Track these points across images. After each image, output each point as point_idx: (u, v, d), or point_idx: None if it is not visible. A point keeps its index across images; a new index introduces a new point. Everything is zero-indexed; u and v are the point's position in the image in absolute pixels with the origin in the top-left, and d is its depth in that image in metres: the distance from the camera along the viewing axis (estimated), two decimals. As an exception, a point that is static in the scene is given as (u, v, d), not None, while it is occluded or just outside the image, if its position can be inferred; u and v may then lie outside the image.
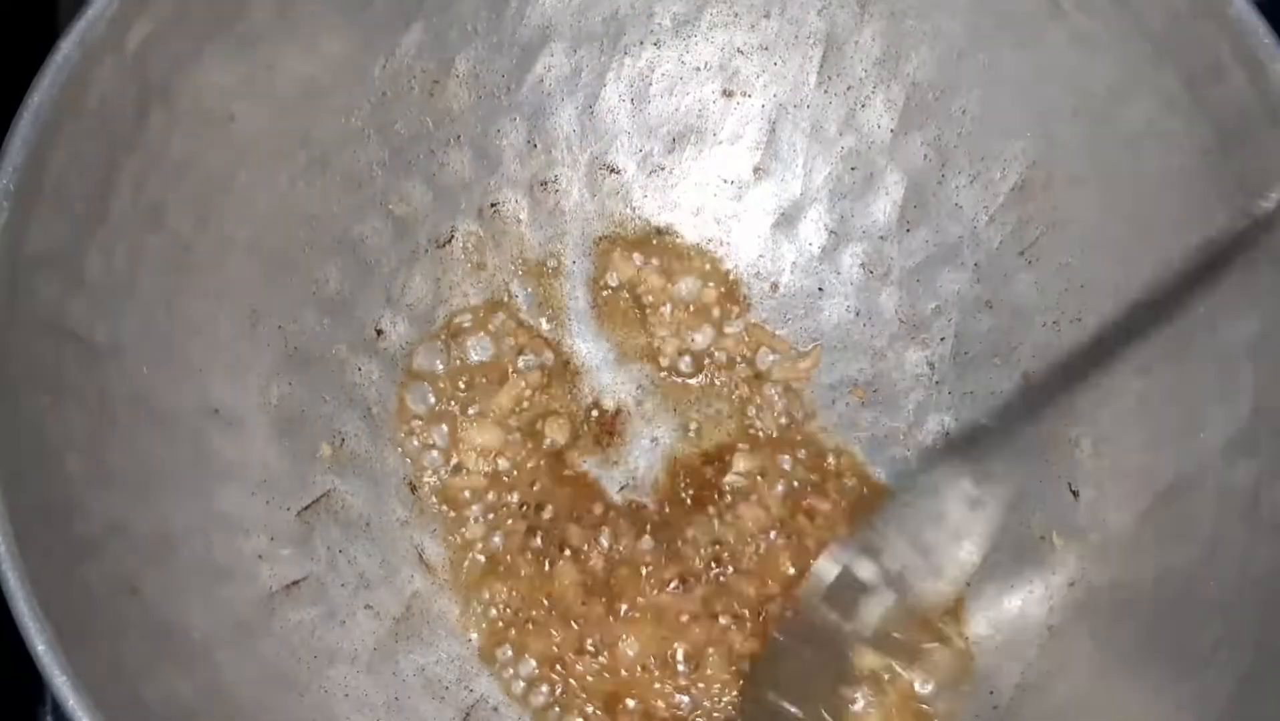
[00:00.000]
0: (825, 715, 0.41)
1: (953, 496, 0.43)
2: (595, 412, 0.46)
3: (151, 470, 0.38)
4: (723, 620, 0.43)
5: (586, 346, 0.47)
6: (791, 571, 0.44)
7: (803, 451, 0.46)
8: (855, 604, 0.42)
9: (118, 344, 0.37)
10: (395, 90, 0.44)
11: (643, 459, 0.46)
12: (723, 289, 0.48)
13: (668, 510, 0.45)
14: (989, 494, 0.42)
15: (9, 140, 0.34)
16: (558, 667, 0.43)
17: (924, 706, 0.41)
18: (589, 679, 0.42)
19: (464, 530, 0.44)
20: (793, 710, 0.41)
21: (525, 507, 0.45)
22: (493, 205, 0.47)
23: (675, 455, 0.46)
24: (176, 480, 0.39)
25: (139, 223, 0.38)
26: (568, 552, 0.44)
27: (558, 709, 0.42)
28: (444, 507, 0.45)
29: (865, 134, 0.46)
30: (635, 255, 0.48)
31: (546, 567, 0.44)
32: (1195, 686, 0.36)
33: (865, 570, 0.42)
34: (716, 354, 0.47)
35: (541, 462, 0.45)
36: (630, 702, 0.42)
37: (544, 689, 0.42)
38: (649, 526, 0.45)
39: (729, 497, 0.45)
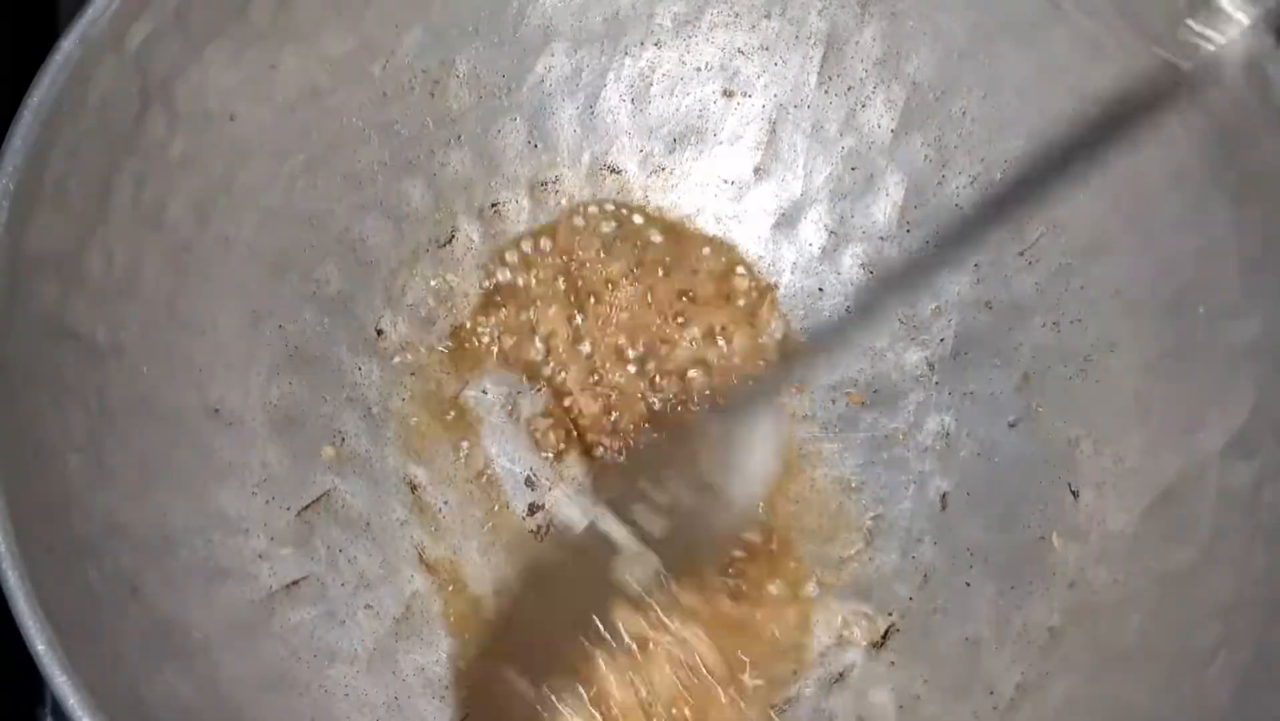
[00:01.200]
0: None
1: None
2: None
3: (151, 470, 0.38)
4: None
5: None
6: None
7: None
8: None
9: (118, 344, 0.38)
10: (395, 90, 0.44)
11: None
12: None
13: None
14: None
15: (9, 140, 0.34)
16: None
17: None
18: None
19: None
20: None
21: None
22: (493, 205, 0.47)
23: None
24: (176, 480, 0.39)
25: (139, 223, 0.38)
26: None
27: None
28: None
29: (865, 134, 0.46)
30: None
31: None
32: (1195, 686, 0.36)
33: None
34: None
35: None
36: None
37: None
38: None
39: None
